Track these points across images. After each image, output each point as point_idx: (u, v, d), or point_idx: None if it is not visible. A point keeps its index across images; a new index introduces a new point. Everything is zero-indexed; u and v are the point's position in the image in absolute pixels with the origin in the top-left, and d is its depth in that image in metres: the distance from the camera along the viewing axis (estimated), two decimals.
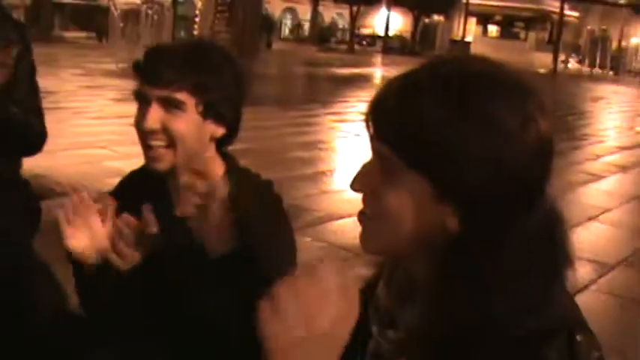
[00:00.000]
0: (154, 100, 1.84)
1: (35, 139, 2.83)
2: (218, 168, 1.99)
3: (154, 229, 1.79)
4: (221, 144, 1.99)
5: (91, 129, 8.53)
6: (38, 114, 2.84)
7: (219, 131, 1.93)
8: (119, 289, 1.88)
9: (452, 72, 1.04)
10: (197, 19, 18.15)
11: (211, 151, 1.97)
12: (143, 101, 1.87)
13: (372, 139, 1.08)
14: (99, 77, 15.10)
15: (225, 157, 2.02)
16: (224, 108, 1.90)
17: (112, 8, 20.68)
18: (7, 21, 2.81)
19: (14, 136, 2.71)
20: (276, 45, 39.16)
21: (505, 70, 1.06)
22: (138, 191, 2.01)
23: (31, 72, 2.83)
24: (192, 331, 1.92)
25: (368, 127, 1.09)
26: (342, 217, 5.82)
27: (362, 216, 1.13)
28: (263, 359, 0.96)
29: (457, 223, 1.03)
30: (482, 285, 1.02)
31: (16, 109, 2.69)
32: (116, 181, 5.22)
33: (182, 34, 29.77)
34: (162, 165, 1.90)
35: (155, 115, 1.85)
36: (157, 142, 1.87)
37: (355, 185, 1.11)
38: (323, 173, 7.56)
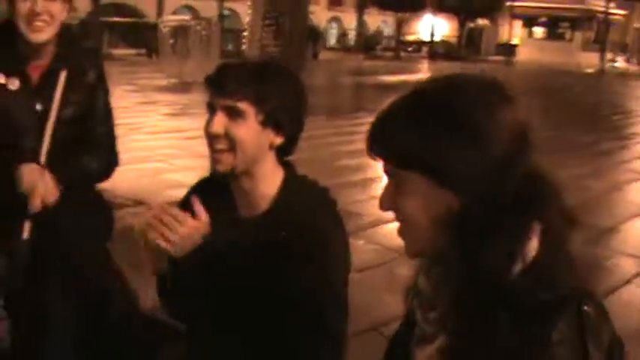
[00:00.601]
0: (219, 109, 2.07)
1: (108, 173, 3.06)
2: (277, 175, 2.18)
3: (203, 218, 2.04)
4: (281, 152, 2.18)
5: (148, 144, 8.83)
6: (112, 141, 3.05)
7: (278, 140, 2.12)
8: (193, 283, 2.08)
9: (429, 95, 1.38)
10: (245, 33, 18.35)
11: (271, 159, 2.16)
12: (211, 110, 2.10)
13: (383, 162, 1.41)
14: (151, 93, 15.47)
15: (285, 164, 2.21)
16: (283, 118, 2.09)
17: (161, 25, 21.01)
18: (79, 48, 3.02)
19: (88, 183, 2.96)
20: (323, 55, 39.26)
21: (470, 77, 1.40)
22: (205, 196, 2.23)
23: (106, 99, 3.03)
24: (261, 325, 2.07)
25: (370, 153, 1.42)
26: (390, 222, 5.96)
27: (399, 229, 1.44)
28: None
29: (457, 202, 1.32)
30: (489, 243, 1.29)
31: (88, 158, 2.91)
32: (176, 192, 5.49)
33: (229, 47, 30.14)
34: (223, 167, 2.11)
35: (219, 122, 2.06)
36: (220, 146, 2.08)
37: (382, 206, 1.45)
38: (371, 180, 7.72)
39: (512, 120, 1.32)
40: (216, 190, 2.24)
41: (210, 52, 19.58)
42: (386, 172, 1.42)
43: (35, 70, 2.86)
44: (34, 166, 2.70)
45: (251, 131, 2.08)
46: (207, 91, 2.12)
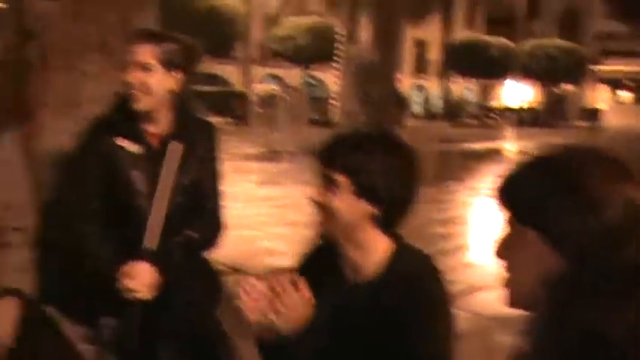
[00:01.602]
0: (319, 177, 2.17)
1: (215, 242, 3.21)
2: (382, 242, 2.22)
3: (307, 294, 2.07)
4: (383, 222, 2.20)
5: (242, 212, 8.86)
6: (219, 210, 3.22)
7: (374, 210, 2.16)
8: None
9: (555, 162, 1.50)
10: (332, 101, 18.63)
11: (370, 228, 2.19)
12: (318, 178, 2.20)
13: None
14: (242, 161, 15.58)
15: (390, 232, 2.24)
16: (379, 189, 2.13)
17: (250, 94, 21.40)
18: (194, 118, 3.21)
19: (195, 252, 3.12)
20: (408, 122, 39.38)
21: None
22: (316, 262, 2.32)
23: (216, 169, 3.23)
24: None
25: (500, 204, 1.54)
26: (483, 289, 6.03)
27: (504, 282, 1.55)
28: None
29: (564, 265, 1.42)
30: (591, 305, 1.36)
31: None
32: (272, 260, 5.64)
33: (315, 116, 30.52)
34: (323, 234, 2.22)
35: (317, 191, 2.16)
36: (320, 214, 2.18)
37: (497, 255, 1.55)
38: (462, 247, 7.75)
39: (628, 195, 1.42)
40: (326, 256, 2.30)
41: (297, 121, 19.84)
42: (507, 222, 1.54)
43: (154, 138, 3.05)
44: (138, 265, 2.86)
45: (345, 202, 2.14)
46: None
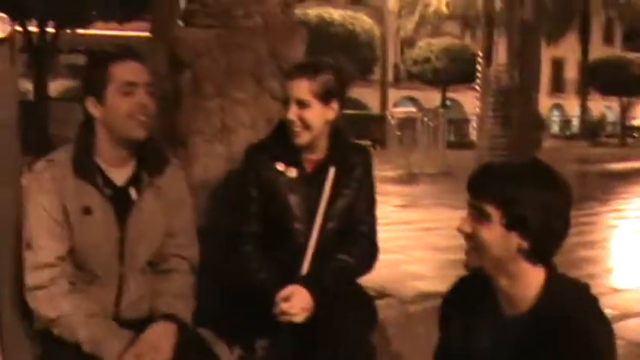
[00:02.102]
0: (469, 208, 2.17)
1: (369, 268, 3.21)
2: (535, 274, 2.18)
3: None
4: (535, 254, 2.16)
5: (383, 235, 8.75)
6: (373, 235, 3.22)
7: (525, 243, 2.13)
8: None
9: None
10: (473, 123, 18.41)
11: (521, 260, 2.16)
12: (468, 208, 2.20)
13: None
14: (380, 184, 15.30)
15: (543, 262, 2.19)
16: (530, 223, 2.10)
17: (389, 117, 21.46)
18: (349, 145, 3.23)
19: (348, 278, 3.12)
20: (546, 142, 38.52)
21: None
22: (468, 293, 2.31)
23: (370, 193, 3.22)
24: None
25: None
26: (637, 315, 5.87)
27: None
28: None
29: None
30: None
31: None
32: (417, 284, 5.58)
33: (452, 137, 30.26)
34: (471, 265, 2.23)
35: (467, 221, 2.17)
36: (469, 244, 2.19)
37: None
38: (609, 271, 7.46)
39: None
40: (479, 287, 2.29)
41: (436, 143, 19.74)
42: None
43: (310, 163, 3.11)
44: (294, 289, 2.88)
45: (494, 234, 2.13)
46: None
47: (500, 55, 21.56)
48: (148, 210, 2.79)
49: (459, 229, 2.19)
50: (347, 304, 2.91)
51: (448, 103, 42.37)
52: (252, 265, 3.03)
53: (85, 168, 2.71)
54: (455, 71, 38.22)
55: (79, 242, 2.69)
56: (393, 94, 45.41)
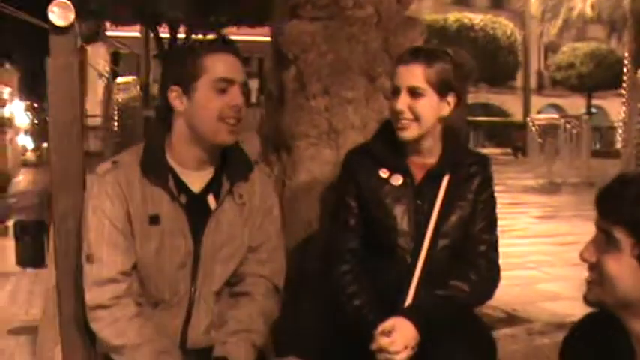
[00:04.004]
0: (597, 230, 1.75)
1: (487, 295, 2.73)
2: None
3: None
4: None
5: (518, 249, 8.39)
6: (493, 256, 2.72)
7: None
8: None
9: None
10: (619, 131, 17.52)
11: None
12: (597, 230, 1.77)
13: None
14: (519, 194, 15.01)
15: None
16: None
17: (530, 124, 20.80)
18: (467, 151, 2.80)
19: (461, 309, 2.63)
20: None
21: None
22: (596, 335, 1.87)
23: (490, 208, 2.74)
24: None
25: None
26: None
27: None
28: None
29: None
30: None
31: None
32: (552, 305, 5.01)
33: (597, 146, 29.05)
34: (594, 300, 1.80)
35: (589, 247, 1.76)
36: (590, 274, 1.78)
37: None
38: None
39: None
40: (610, 327, 1.85)
41: (580, 152, 18.90)
42: None
43: (419, 170, 2.67)
44: (397, 321, 2.44)
45: (624, 266, 1.70)
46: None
47: None
48: (227, 222, 2.44)
49: (582, 257, 1.78)
50: (459, 340, 2.44)
51: (593, 110, 40.83)
52: (347, 289, 2.61)
53: (156, 169, 2.38)
54: (600, 77, 36.94)
55: (144, 256, 2.36)
56: (536, 101, 44.21)
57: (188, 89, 2.35)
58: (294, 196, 3.32)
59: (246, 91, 2.40)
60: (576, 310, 5.19)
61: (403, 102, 2.58)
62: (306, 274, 3.00)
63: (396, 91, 2.62)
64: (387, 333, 2.40)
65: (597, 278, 1.76)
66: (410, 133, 2.60)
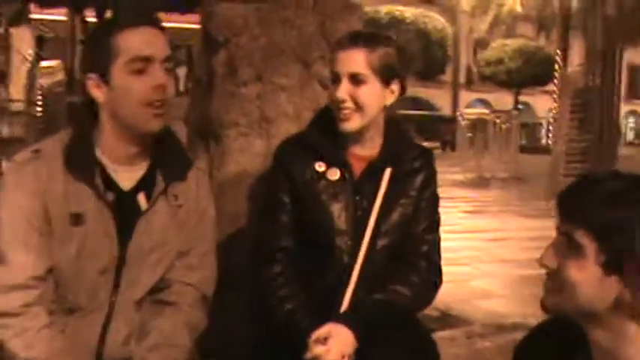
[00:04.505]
0: (557, 236, 1.60)
1: (428, 300, 2.55)
2: None
3: None
4: None
5: (449, 244, 8.17)
6: (434, 258, 2.53)
7: (628, 295, 1.54)
8: None
9: None
10: (548, 126, 17.70)
11: (620, 316, 1.58)
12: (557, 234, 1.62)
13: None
14: (449, 188, 14.90)
15: None
16: (635, 265, 1.52)
17: (460, 118, 20.95)
18: (410, 144, 2.58)
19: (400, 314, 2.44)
20: (621, 150, 37.41)
21: None
22: (549, 347, 1.71)
23: (433, 206, 2.56)
24: None
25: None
26: None
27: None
28: None
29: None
30: None
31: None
32: (486, 304, 4.88)
33: (523, 141, 29.48)
34: (550, 306, 1.65)
35: (551, 254, 1.61)
36: (550, 283, 1.63)
37: None
38: None
39: None
40: (567, 340, 1.70)
41: (509, 147, 19.06)
42: None
43: (359, 163, 2.47)
44: (333, 328, 2.24)
45: (588, 275, 1.54)
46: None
47: (576, 57, 20.88)
48: (159, 225, 2.19)
49: (541, 263, 1.61)
50: (399, 347, 2.26)
51: (520, 106, 41.45)
52: (278, 292, 2.39)
53: (81, 163, 2.10)
54: (528, 73, 37.53)
55: (62, 260, 2.09)
56: (465, 96, 44.69)
57: (105, 76, 2.09)
58: (221, 189, 3.10)
59: (170, 67, 2.12)
60: (508, 308, 5.12)
61: (344, 90, 2.38)
62: (233, 273, 2.78)
63: (336, 79, 2.41)
64: (322, 341, 2.19)
65: (557, 285, 1.59)
66: (352, 124, 2.40)
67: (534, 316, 4.03)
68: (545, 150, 24.26)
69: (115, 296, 2.15)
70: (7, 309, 2.03)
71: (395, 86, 2.44)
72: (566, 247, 1.56)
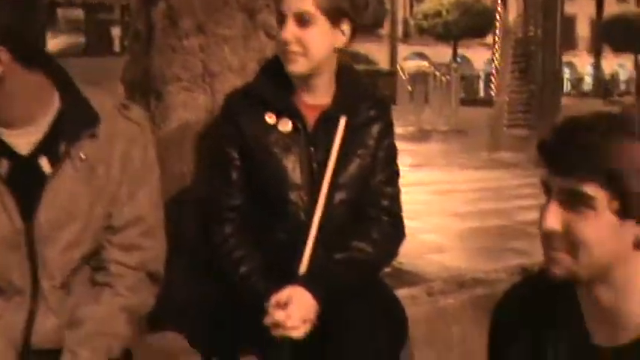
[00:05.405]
0: (555, 194, 1.43)
1: (392, 255, 2.47)
2: None
3: None
4: None
5: None
6: (396, 209, 2.43)
7: None
8: None
9: None
10: (491, 78, 17.75)
11: (636, 260, 1.46)
12: (547, 195, 1.46)
13: None
14: None
15: None
16: None
17: (400, 72, 20.90)
18: (364, 93, 2.45)
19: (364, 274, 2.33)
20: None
21: None
22: (534, 304, 1.60)
23: (393, 155, 2.45)
24: None
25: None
26: None
27: None
28: None
29: None
30: None
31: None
32: (438, 257, 4.80)
33: (462, 94, 29.64)
34: (560, 273, 1.48)
35: (555, 215, 1.44)
36: (556, 244, 1.46)
37: None
38: None
39: None
40: (551, 298, 1.60)
41: (449, 100, 19.08)
42: None
43: (311, 112, 2.33)
44: (292, 292, 2.12)
45: (602, 227, 1.42)
46: (541, 164, 1.49)
47: (515, 8, 20.97)
48: (67, 190, 1.90)
49: (545, 228, 1.46)
50: (365, 308, 2.15)
51: (458, 59, 41.65)
52: (232, 254, 2.25)
53: None
54: (466, 25, 37.66)
55: None
56: (403, 50, 44.64)
57: None
58: (164, 147, 2.94)
59: None
60: (461, 262, 5.05)
61: (289, 31, 2.23)
62: (181, 236, 2.64)
63: (281, 19, 2.27)
64: (282, 305, 2.07)
65: (567, 249, 1.46)
66: (298, 66, 2.26)
67: (495, 272, 4.00)
68: (485, 102, 24.39)
69: (36, 277, 1.93)
70: None
71: (345, 26, 2.29)
72: (569, 204, 1.44)
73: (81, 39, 25.68)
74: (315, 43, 2.23)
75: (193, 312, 2.42)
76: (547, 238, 1.47)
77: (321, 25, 2.23)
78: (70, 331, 1.93)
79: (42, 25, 1.90)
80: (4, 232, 1.87)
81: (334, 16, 2.24)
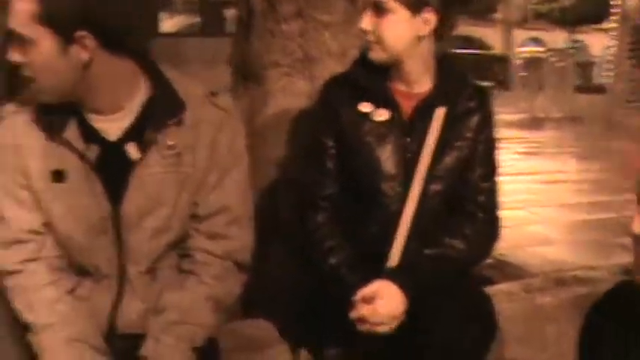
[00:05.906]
0: None
1: (486, 253, 2.38)
2: None
3: None
4: None
5: (505, 187, 7.89)
6: (488, 205, 2.33)
7: None
8: None
9: None
10: (605, 65, 17.18)
11: None
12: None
13: None
14: (502, 129, 14.37)
15: None
16: None
17: (513, 57, 20.49)
18: (463, 83, 2.36)
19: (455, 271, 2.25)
20: None
21: None
22: (627, 310, 1.52)
23: (493, 148, 2.35)
24: None
25: None
26: None
27: None
28: None
29: None
30: None
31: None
32: (543, 250, 4.65)
33: (578, 80, 28.87)
34: None
35: None
36: None
37: None
38: None
39: None
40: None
41: (564, 86, 18.56)
42: None
43: (408, 102, 2.26)
44: (380, 287, 2.07)
45: None
46: None
47: None
48: (154, 177, 1.90)
49: (638, 234, 1.37)
50: (455, 308, 2.06)
51: (575, 44, 40.51)
52: (324, 243, 2.22)
53: (57, 113, 1.87)
54: (583, 10, 36.64)
55: (52, 218, 1.90)
56: (518, 35, 43.69)
57: None
58: (262, 133, 2.94)
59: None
60: (566, 255, 4.88)
61: (366, 21, 2.19)
62: (277, 223, 2.63)
63: (364, 7, 2.23)
64: (369, 300, 2.03)
65: None
66: (377, 54, 2.22)
67: (597, 269, 3.85)
68: (600, 89, 23.68)
69: (123, 261, 1.95)
70: (7, 267, 1.89)
71: (428, 15, 2.19)
72: None
73: (197, 19, 26.20)
74: (390, 33, 2.17)
75: (286, 299, 2.40)
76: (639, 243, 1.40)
77: (398, 15, 2.16)
78: (154, 317, 1.94)
79: (133, 13, 1.88)
80: (92, 217, 1.89)
81: (414, 5, 2.16)
